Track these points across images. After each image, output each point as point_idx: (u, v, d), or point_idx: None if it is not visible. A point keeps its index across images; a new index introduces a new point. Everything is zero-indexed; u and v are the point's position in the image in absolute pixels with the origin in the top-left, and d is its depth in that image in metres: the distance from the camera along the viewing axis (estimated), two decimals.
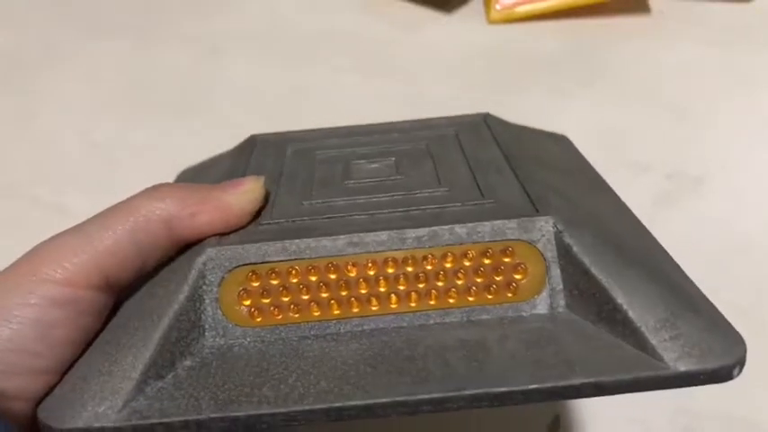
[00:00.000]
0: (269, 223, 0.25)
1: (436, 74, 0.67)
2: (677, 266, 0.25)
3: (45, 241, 0.26)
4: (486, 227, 0.23)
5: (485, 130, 0.32)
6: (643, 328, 0.22)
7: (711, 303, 0.24)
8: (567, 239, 0.23)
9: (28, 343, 0.23)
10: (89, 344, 0.25)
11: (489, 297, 0.24)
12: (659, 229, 0.56)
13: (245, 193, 0.26)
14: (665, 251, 0.26)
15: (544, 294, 0.24)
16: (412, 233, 0.24)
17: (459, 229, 0.24)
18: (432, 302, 0.24)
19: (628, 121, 0.63)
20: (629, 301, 0.22)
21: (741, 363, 0.22)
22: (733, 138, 0.62)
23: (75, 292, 0.24)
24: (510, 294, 0.24)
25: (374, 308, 0.24)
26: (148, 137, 0.61)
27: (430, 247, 0.23)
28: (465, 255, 0.23)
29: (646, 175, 0.59)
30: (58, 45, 0.69)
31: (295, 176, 0.29)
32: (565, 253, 0.23)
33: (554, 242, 0.23)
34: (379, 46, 0.70)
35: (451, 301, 0.24)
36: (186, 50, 0.69)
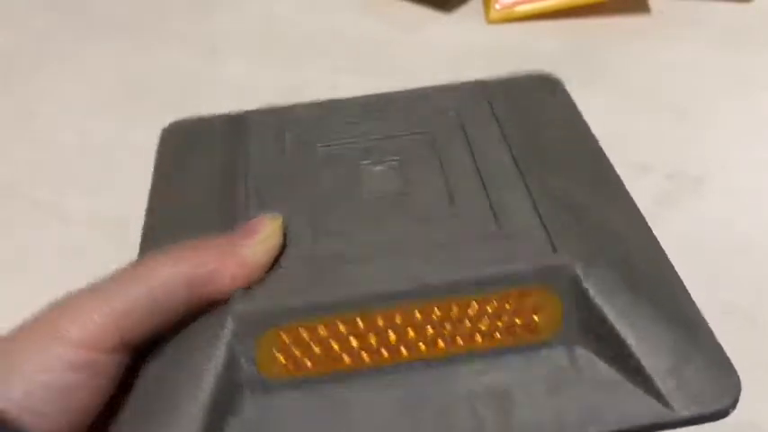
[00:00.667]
0: (291, 269, 0.25)
1: (435, 73, 0.67)
2: (682, 286, 0.26)
3: (63, 300, 0.25)
4: (506, 275, 0.24)
5: (486, 113, 0.31)
6: (655, 377, 0.23)
7: (712, 334, 0.25)
8: (585, 284, 0.24)
9: (40, 405, 0.23)
10: (104, 407, 0.24)
11: (510, 338, 0.24)
12: (660, 229, 0.56)
13: (264, 241, 0.25)
14: (671, 266, 0.27)
15: (562, 335, 0.24)
16: (435, 285, 0.24)
17: (480, 281, 0.24)
18: (458, 345, 0.24)
19: (628, 121, 0.63)
20: (642, 350, 0.23)
21: (736, 401, 0.24)
22: (733, 138, 0.62)
23: (92, 355, 0.23)
24: (529, 335, 0.24)
25: (404, 354, 0.24)
26: (147, 137, 0.60)
27: (453, 296, 0.24)
28: (487, 302, 0.24)
29: (646, 175, 0.59)
30: (56, 45, 0.68)
31: (302, 186, 0.29)
32: (582, 296, 0.24)
33: (571, 285, 0.24)
34: (378, 45, 0.70)
35: (476, 342, 0.24)
36: (185, 50, 0.69)
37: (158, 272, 0.24)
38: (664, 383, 0.23)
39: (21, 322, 0.25)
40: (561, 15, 0.72)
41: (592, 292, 0.24)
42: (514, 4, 0.71)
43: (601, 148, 0.32)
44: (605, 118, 0.63)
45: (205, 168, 0.31)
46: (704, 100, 0.65)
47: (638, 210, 0.29)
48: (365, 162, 0.30)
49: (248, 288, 0.24)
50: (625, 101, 0.65)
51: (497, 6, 0.72)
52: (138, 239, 0.52)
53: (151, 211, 0.31)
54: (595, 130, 0.62)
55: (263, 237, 0.25)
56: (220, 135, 0.32)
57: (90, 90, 0.65)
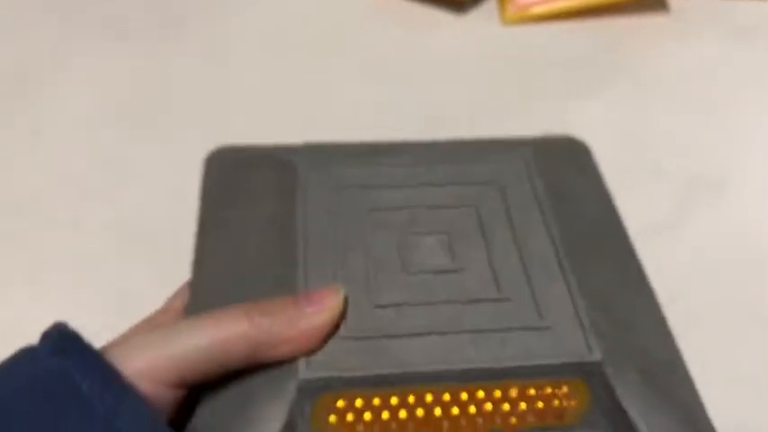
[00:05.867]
0: (349, 338, 0.28)
1: (449, 76, 0.67)
2: (687, 374, 0.30)
3: (133, 333, 0.28)
4: (546, 367, 0.27)
5: (527, 192, 0.34)
6: None
7: (710, 423, 0.28)
8: (613, 382, 0.27)
9: None
10: None
11: (542, 421, 0.27)
12: (680, 233, 0.55)
13: (329, 311, 0.27)
14: (680, 355, 0.30)
15: (587, 420, 0.27)
16: (483, 370, 0.27)
17: (524, 371, 0.27)
18: (495, 423, 0.27)
19: (648, 122, 0.62)
20: None
21: None
22: (756, 139, 0.61)
23: (152, 387, 0.25)
24: (559, 419, 0.27)
25: (446, 428, 0.27)
26: (162, 147, 0.60)
27: (497, 382, 0.27)
28: (527, 388, 0.27)
29: (667, 177, 0.58)
30: (67, 55, 0.68)
31: (355, 252, 0.31)
32: (608, 391, 0.27)
33: (601, 381, 0.27)
34: (390, 47, 0.69)
35: (511, 423, 0.27)
36: (197, 56, 0.68)
37: (224, 328, 0.26)
38: None
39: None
40: (578, 16, 0.71)
41: (617, 389, 0.27)
42: (530, 5, 0.70)
43: (625, 229, 0.35)
44: (625, 120, 0.62)
45: (257, 218, 0.33)
46: (726, 99, 0.64)
47: (655, 298, 0.32)
48: (414, 232, 0.32)
49: (309, 356, 0.27)
50: (645, 101, 0.64)
51: (513, 8, 0.71)
52: (153, 249, 0.52)
53: (202, 255, 0.32)
54: (615, 132, 0.61)
55: (327, 309, 0.27)
56: (271, 178, 0.34)
57: (101, 100, 0.64)
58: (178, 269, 0.39)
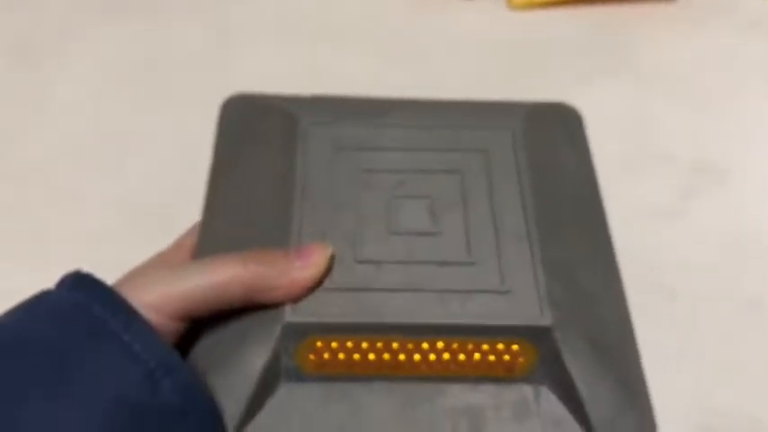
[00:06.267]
0: (332, 289, 0.31)
1: (456, 59, 0.66)
2: (635, 349, 0.33)
3: (142, 268, 0.33)
4: (501, 327, 0.30)
5: (511, 163, 0.37)
6: (595, 423, 0.30)
7: (648, 396, 0.31)
8: (561, 346, 0.30)
9: None
10: None
11: (492, 371, 0.31)
12: (684, 220, 0.56)
13: (315, 267, 0.31)
14: (632, 329, 0.33)
15: (533, 376, 0.31)
16: (444, 326, 0.30)
17: (481, 329, 0.30)
18: (451, 370, 0.31)
19: (653, 110, 0.62)
20: (591, 401, 0.30)
21: None
22: (760, 129, 0.61)
23: (158, 318, 0.29)
24: (508, 371, 0.31)
25: (408, 370, 0.31)
26: (163, 121, 0.60)
27: (456, 336, 0.30)
28: (482, 342, 0.31)
29: (671, 165, 0.58)
30: (72, 28, 0.68)
31: (345, 210, 0.34)
32: (555, 353, 0.30)
33: (548, 344, 0.30)
34: (398, 31, 0.69)
35: (466, 370, 0.31)
36: (202, 33, 0.68)
37: (223, 272, 0.30)
38: (601, 428, 0.30)
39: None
40: (584, 2, 0.71)
41: (563, 352, 0.30)
42: None
43: (601, 204, 0.37)
44: (630, 107, 0.62)
45: (262, 167, 0.36)
46: (730, 89, 0.64)
47: (618, 273, 0.35)
48: (401, 195, 0.35)
49: (295, 302, 0.31)
50: (650, 89, 0.64)
51: None
52: (154, 223, 0.53)
53: (212, 199, 0.36)
54: (620, 118, 0.61)
55: (314, 265, 0.31)
56: (277, 131, 0.38)
57: (106, 73, 0.64)
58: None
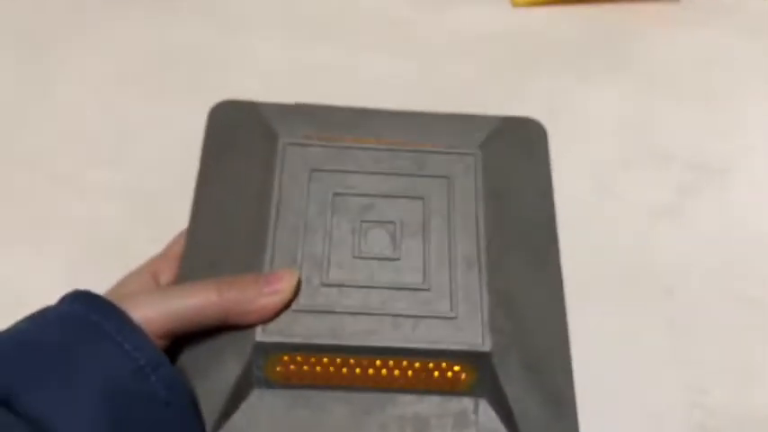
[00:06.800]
0: (299, 311, 0.35)
1: (458, 56, 0.67)
2: (569, 370, 0.36)
3: (131, 281, 0.38)
4: (446, 351, 0.35)
5: (470, 193, 0.40)
6: None
7: (575, 413, 0.35)
8: (498, 370, 0.35)
9: None
10: None
11: (437, 386, 0.35)
12: (682, 219, 0.56)
13: (283, 293, 0.35)
14: (568, 352, 0.37)
15: (473, 391, 0.35)
16: (396, 348, 0.35)
17: (429, 352, 0.35)
18: (401, 383, 0.35)
19: (653, 109, 0.63)
20: (524, 423, 0.34)
21: None
22: (760, 129, 0.61)
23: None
24: (451, 386, 0.35)
25: (363, 382, 0.35)
26: (169, 111, 0.60)
27: (407, 357, 0.35)
28: (429, 362, 0.35)
29: (671, 164, 0.58)
30: (81, 16, 0.68)
31: (315, 234, 0.38)
32: (493, 376, 0.35)
33: (487, 368, 0.35)
34: (401, 27, 0.69)
35: (414, 384, 0.35)
36: (209, 24, 0.68)
37: (201, 297, 0.34)
38: None
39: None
40: (588, 1, 0.71)
41: (500, 375, 0.35)
42: None
43: (555, 228, 0.40)
44: (630, 106, 0.63)
45: (243, 182, 0.39)
46: (730, 89, 0.64)
47: (561, 294, 0.38)
48: (368, 219, 0.38)
49: (265, 323, 0.35)
50: (650, 88, 0.64)
51: None
52: (157, 212, 0.53)
53: (197, 208, 0.39)
54: (620, 117, 0.61)
55: (283, 290, 0.35)
56: (259, 147, 0.40)
57: (113, 63, 0.64)
58: (178, 228, 0.40)
